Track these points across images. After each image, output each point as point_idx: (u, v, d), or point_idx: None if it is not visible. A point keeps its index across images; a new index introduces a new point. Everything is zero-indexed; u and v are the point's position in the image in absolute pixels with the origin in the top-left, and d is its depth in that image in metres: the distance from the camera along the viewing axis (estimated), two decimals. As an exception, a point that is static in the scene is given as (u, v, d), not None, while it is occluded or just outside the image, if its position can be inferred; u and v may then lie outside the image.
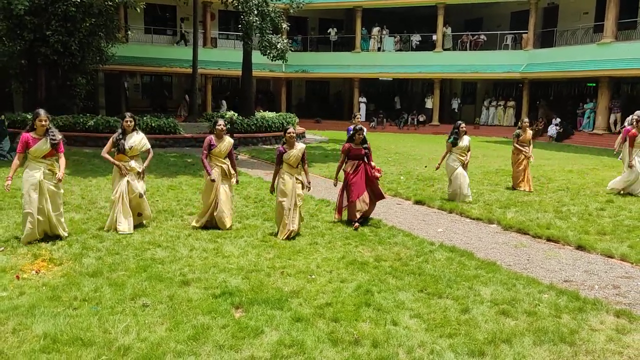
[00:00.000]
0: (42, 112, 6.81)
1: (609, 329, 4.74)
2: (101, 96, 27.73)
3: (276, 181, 7.64)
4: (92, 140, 18.07)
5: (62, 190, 7.05)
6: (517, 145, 11.75)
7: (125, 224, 7.48)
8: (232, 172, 7.95)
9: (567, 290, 5.64)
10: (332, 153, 18.48)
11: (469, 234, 8.19)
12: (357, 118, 11.98)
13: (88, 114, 19.93)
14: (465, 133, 10.33)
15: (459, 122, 10.33)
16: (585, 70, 23.76)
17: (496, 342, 4.42)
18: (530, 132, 12.10)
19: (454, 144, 10.17)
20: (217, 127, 7.83)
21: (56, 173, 6.84)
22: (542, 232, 8.02)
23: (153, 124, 19.01)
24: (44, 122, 6.75)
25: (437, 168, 11.28)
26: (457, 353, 4.23)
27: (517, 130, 12.00)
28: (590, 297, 5.48)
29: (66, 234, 7.02)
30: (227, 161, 7.94)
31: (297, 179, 7.59)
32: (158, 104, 29.90)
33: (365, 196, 8.32)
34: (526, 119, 12.63)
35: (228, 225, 7.84)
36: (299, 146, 7.60)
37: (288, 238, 7.38)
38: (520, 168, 11.71)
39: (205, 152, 7.85)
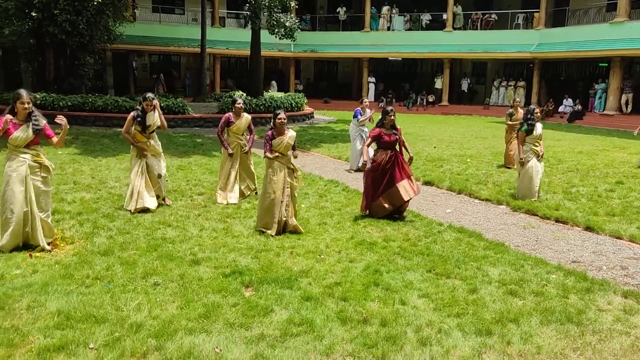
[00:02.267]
0: (24, 92, 5.75)
1: (617, 309, 4.76)
2: (109, 76, 27.73)
3: (266, 172, 6.94)
4: (101, 120, 18.15)
5: (51, 188, 6.10)
6: (510, 123, 12.02)
7: (150, 201, 7.61)
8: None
9: (575, 270, 5.66)
10: (340, 134, 18.42)
11: (478, 214, 8.19)
12: (365, 102, 12.01)
13: (97, 94, 19.97)
14: (539, 120, 8.94)
15: (532, 106, 8.96)
16: (597, 50, 23.41)
17: (503, 321, 4.46)
18: (522, 111, 12.09)
19: (529, 132, 8.68)
20: (236, 105, 8.38)
21: (43, 165, 5.86)
22: (550, 213, 8.00)
23: (162, 104, 18.98)
24: (26, 105, 5.70)
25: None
26: (465, 332, 4.27)
27: (510, 110, 12.31)
28: (598, 277, 5.49)
29: (48, 247, 5.84)
30: (245, 137, 8.52)
31: (288, 168, 6.86)
32: (166, 83, 29.85)
33: (396, 194, 7.47)
34: (518, 98, 13.23)
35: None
36: (290, 133, 6.87)
37: (293, 232, 6.81)
38: (511, 147, 11.92)
39: (220, 128, 8.34)
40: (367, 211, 7.68)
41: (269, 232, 6.70)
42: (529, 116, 8.74)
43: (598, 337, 4.26)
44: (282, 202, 6.73)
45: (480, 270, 5.64)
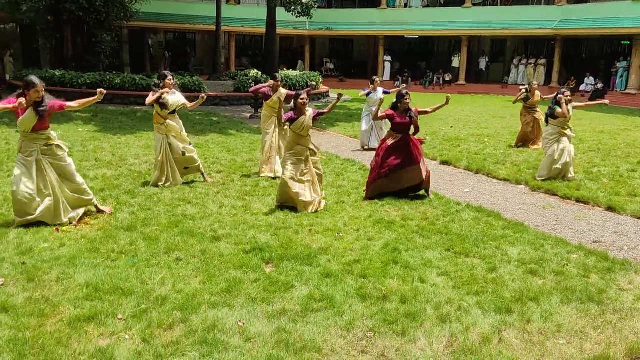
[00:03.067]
0: (37, 80, 5.61)
1: (638, 289, 4.75)
2: (125, 53, 27.80)
3: (285, 157, 7.05)
4: (118, 98, 18.26)
5: (69, 162, 6.05)
6: (526, 106, 11.99)
7: (179, 177, 7.87)
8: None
9: (596, 250, 5.64)
10: (356, 112, 18.35)
11: (496, 194, 8.16)
12: (377, 82, 11.72)
13: (114, 72, 20.06)
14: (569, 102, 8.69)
15: (564, 89, 8.86)
16: (620, 27, 22.88)
17: (523, 300, 4.48)
18: (539, 94, 11.98)
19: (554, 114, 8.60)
20: (276, 81, 8.84)
21: (55, 145, 5.88)
22: (571, 193, 7.94)
23: (177, 83, 19.00)
24: (40, 93, 5.61)
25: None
26: (485, 310, 4.30)
27: (526, 94, 12.04)
28: (619, 257, 5.47)
29: (67, 221, 5.97)
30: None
31: (309, 149, 6.94)
32: (180, 62, 29.85)
33: (401, 176, 7.42)
34: (535, 82, 12.93)
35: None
36: (309, 112, 6.92)
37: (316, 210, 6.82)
38: (529, 130, 11.98)
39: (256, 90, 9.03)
40: (367, 195, 7.47)
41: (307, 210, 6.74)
42: (558, 97, 8.61)
43: (619, 316, 4.27)
44: (309, 181, 6.85)
45: (499, 249, 5.65)
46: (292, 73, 23.44)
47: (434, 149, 11.60)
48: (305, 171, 6.89)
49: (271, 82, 8.93)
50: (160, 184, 7.73)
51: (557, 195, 8.03)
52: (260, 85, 9.04)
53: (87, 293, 4.32)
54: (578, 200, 7.73)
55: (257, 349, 3.66)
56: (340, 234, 6.00)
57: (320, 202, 6.97)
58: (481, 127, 15.30)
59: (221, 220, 6.36)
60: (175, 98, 7.79)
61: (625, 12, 23.00)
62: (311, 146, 7.01)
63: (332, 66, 32.07)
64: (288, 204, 6.87)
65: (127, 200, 7.04)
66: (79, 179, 6.18)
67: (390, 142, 7.50)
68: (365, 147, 11.67)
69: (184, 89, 18.91)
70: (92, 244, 5.39)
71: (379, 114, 7.84)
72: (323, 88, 24.18)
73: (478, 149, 11.66)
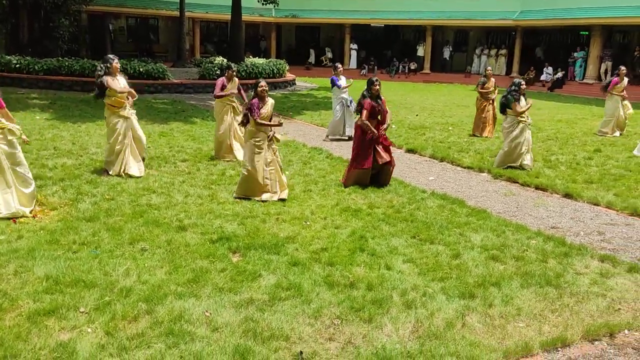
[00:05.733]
0: None
1: (593, 272, 4.94)
2: (85, 39, 26.93)
3: (247, 148, 6.91)
4: (78, 84, 17.72)
5: (17, 150, 5.81)
6: (481, 91, 12.27)
7: (135, 168, 7.64)
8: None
9: (554, 236, 5.82)
10: (323, 101, 18.34)
11: (460, 182, 8.31)
12: (340, 69, 11.64)
13: (73, 57, 19.43)
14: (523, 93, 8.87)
15: (517, 80, 8.97)
16: (579, 17, 23.48)
17: (486, 285, 4.60)
18: (494, 80, 12.43)
19: (510, 105, 8.76)
20: (231, 70, 9.06)
21: (7, 129, 5.66)
22: (531, 180, 8.17)
23: (141, 69, 18.59)
24: None
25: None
26: (449, 295, 4.40)
27: (482, 78, 12.46)
28: (576, 242, 5.67)
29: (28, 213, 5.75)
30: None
31: (269, 137, 6.84)
32: (144, 48, 29.15)
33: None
34: (489, 67, 13.35)
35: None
36: (270, 101, 6.92)
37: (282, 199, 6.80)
38: (483, 115, 12.22)
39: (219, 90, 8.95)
40: (345, 183, 7.55)
41: (255, 198, 6.74)
42: (513, 88, 8.75)
43: (575, 299, 4.43)
44: (268, 170, 6.76)
45: (463, 236, 5.77)
46: (258, 61, 23.19)
47: (400, 137, 11.71)
48: (269, 160, 6.80)
49: (223, 78, 9.06)
50: (112, 173, 7.53)
51: (517, 182, 8.24)
52: (218, 89, 8.94)
53: (47, 286, 4.21)
54: (537, 188, 7.95)
55: (225, 339, 3.65)
56: (308, 223, 6.01)
57: (284, 191, 6.93)
58: (445, 116, 15.52)
59: (187, 210, 6.29)
60: (124, 83, 7.58)
61: (583, 4, 23.60)
62: (271, 133, 6.88)
63: (330, 55, 31.91)
64: (248, 196, 6.77)
65: (89, 190, 6.87)
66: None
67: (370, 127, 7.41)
68: (337, 137, 11.49)
69: (147, 75, 18.57)
70: (51, 236, 5.25)
71: (364, 115, 7.40)
72: (289, 76, 24.03)
73: (443, 137, 11.84)
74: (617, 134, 12.52)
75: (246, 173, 6.77)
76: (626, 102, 12.76)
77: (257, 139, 6.77)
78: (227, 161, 8.83)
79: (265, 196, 6.75)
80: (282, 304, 4.16)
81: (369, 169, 7.46)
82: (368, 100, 7.42)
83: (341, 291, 4.41)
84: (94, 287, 4.24)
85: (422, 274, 4.79)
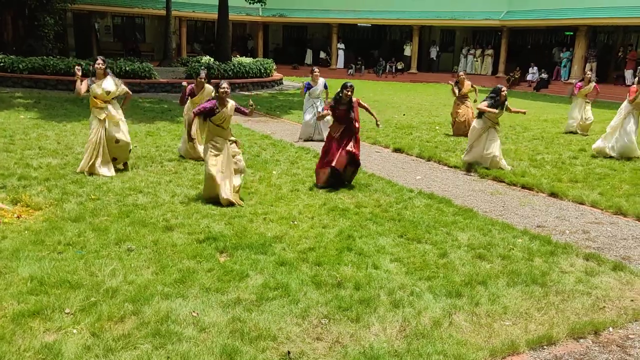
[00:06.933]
0: None
1: (579, 271, 5.00)
2: (71, 38, 26.66)
3: (205, 149, 6.66)
4: (63, 83, 17.53)
5: None
6: (458, 95, 12.11)
7: (105, 169, 7.55)
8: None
9: (539, 235, 5.88)
10: (310, 100, 18.29)
11: (447, 181, 8.36)
12: (316, 72, 11.29)
13: (58, 57, 19.21)
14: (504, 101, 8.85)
15: (499, 86, 8.96)
16: (564, 18, 23.74)
17: (472, 284, 4.62)
18: (469, 83, 12.21)
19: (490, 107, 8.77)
20: (200, 78, 8.69)
21: None
22: (517, 180, 8.23)
23: (127, 68, 18.45)
24: None
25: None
26: (436, 294, 4.42)
27: (455, 85, 12.19)
28: (561, 241, 5.72)
29: None
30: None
31: (229, 141, 6.62)
32: (130, 47, 28.92)
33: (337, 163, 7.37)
34: (462, 72, 12.99)
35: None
36: (230, 104, 6.55)
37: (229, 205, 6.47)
38: (461, 119, 12.04)
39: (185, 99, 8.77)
40: (318, 182, 7.56)
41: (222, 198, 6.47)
42: (493, 95, 8.71)
43: (561, 298, 4.48)
44: (227, 175, 6.51)
45: (449, 235, 5.81)
46: (245, 60, 23.12)
47: (387, 136, 11.75)
48: (224, 164, 6.52)
49: (192, 85, 8.73)
50: (78, 170, 7.51)
51: (504, 182, 8.30)
52: (183, 97, 8.78)
53: (31, 287, 4.16)
54: (523, 187, 8.02)
55: (212, 339, 3.63)
56: (295, 222, 6.01)
57: (236, 198, 6.57)
58: (432, 115, 15.60)
59: (174, 210, 6.25)
60: (110, 85, 7.47)
61: (569, 4, 23.87)
62: (232, 138, 6.68)
63: (323, 56, 31.86)
64: (212, 197, 6.54)
65: (74, 190, 6.80)
66: None
67: (333, 133, 7.49)
68: (309, 139, 11.25)
69: (134, 74, 18.42)
70: (36, 236, 5.18)
71: (322, 112, 7.58)
72: (276, 75, 23.99)
73: (429, 137, 11.90)
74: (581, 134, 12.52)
75: (207, 174, 6.53)
76: (589, 107, 12.68)
77: (214, 141, 6.55)
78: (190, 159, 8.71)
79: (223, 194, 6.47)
80: (270, 304, 4.15)
81: (334, 167, 7.36)
82: (330, 104, 7.53)
83: (329, 291, 4.41)
84: (80, 288, 4.20)
85: (410, 273, 4.81)
